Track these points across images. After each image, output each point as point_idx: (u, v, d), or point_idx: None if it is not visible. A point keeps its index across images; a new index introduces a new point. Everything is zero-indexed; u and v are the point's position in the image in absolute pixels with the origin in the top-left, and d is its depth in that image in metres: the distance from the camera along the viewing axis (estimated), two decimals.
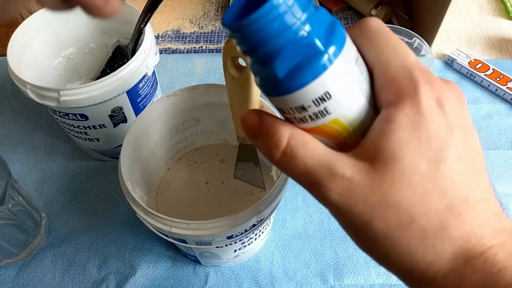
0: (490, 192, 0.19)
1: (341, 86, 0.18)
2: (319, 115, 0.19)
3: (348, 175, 0.18)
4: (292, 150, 0.19)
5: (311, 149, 0.19)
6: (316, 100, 0.19)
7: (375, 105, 0.20)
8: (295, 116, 0.20)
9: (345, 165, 0.18)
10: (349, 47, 0.19)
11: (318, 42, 0.18)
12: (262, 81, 0.20)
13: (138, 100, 0.44)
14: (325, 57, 0.18)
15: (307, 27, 0.18)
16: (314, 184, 0.19)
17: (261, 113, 0.21)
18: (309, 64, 0.18)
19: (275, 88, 0.19)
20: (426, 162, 0.18)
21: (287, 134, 0.19)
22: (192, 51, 0.63)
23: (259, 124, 0.20)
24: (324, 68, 0.18)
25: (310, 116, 0.19)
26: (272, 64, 0.18)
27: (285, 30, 0.17)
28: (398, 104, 0.18)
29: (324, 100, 0.19)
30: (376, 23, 0.20)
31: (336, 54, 0.18)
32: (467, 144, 0.19)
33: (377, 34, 0.20)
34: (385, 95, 0.19)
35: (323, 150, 0.19)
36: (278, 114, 0.22)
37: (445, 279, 0.18)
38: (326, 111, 0.19)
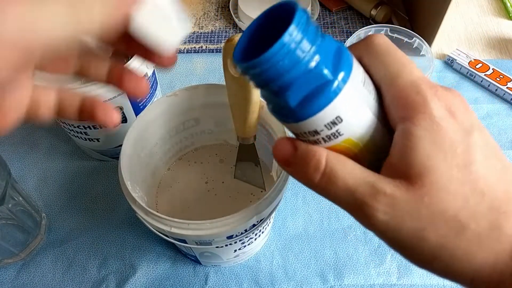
0: None
1: (351, 109, 0.19)
2: (332, 137, 0.20)
3: (390, 192, 0.18)
4: (331, 170, 0.19)
5: (349, 167, 0.19)
6: (328, 124, 0.19)
7: (385, 120, 0.21)
8: (308, 138, 0.20)
9: (383, 183, 0.19)
10: (357, 71, 0.20)
11: (327, 72, 0.18)
12: (275, 108, 0.20)
13: (138, 100, 0.44)
14: (335, 84, 0.18)
15: (316, 58, 0.18)
16: (357, 204, 0.19)
17: (292, 140, 0.21)
18: (320, 92, 0.19)
19: (288, 116, 0.20)
20: (456, 168, 0.18)
21: (324, 155, 0.20)
22: (192, 51, 0.63)
23: (293, 150, 0.21)
24: (335, 94, 0.19)
25: (323, 138, 0.20)
26: (284, 95, 0.19)
27: (296, 65, 0.18)
28: (411, 118, 0.19)
29: (336, 123, 0.19)
30: (382, 40, 0.21)
31: (345, 80, 0.19)
32: (487, 142, 0.19)
33: (383, 51, 0.21)
34: (395, 111, 0.20)
35: (360, 169, 0.19)
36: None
37: None
38: (338, 133, 0.20)
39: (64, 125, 0.45)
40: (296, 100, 0.19)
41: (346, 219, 0.46)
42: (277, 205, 0.34)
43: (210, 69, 0.60)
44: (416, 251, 0.19)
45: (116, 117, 0.22)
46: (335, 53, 0.19)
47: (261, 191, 0.43)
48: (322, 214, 0.47)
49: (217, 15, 0.68)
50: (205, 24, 0.67)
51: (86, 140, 0.46)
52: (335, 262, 0.44)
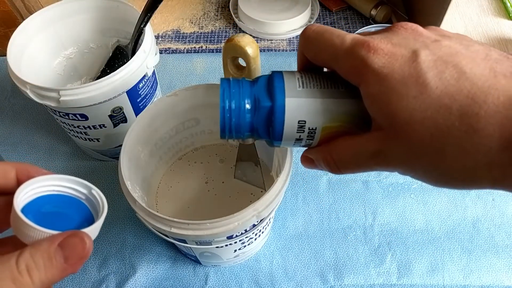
0: (486, 57, 0.19)
1: (303, 110, 0.22)
2: (312, 134, 0.23)
3: (378, 148, 0.21)
4: (338, 161, 0.23)
5: (345, 147, 0.23)
6: (298, 130, 0.23)
7: (348, 89, 0.23)
8: (303, 144, 0.24)
9: (373, 143, 0.21)
10: (290, 82, 0.23)
11: (267, 103, 0.23)
12: (267, 143, 0.25)
13: (138, 100, 0.44)
14: (277, 105, 0.22)
15: (254, 102, 0.23)
16: (371, 165, 0.22)
17: (306, 153, 0.26)
18: (273, 117, 0.23)
19: (272, 143, 0.24)
20: (414, 99, 0.19)
21: (328, 153, 0.23)
22: (192, 51, 0.63)
23: (312, 160, 0.25)
24: (282, 110, 0.22)
25: (308, 138, 0.23)
26: (258, 135, 0.24)
27: (242, 116, 0.23)
28: (362, 82, 0.20)
29: (303, 126, 0.23)
30: (310, 31, 0.23)
31: (281, 98, 0.22)
32: (437, 56, 0.19)
33: (314, 41, 0.23)
34: (350, 80, 0.21)
35: (351, 142, 0.22)
36: None
37: None
38: (312, 129, 0.23)
39: (64, 125, 0.45)
40: (266, 135, 0.24)
41: (346, 219, 0.46)
42: (277, 205, 0.34)
43: (210, 69, 0.60)
44: (440, 172, 0.20)
45: None
46: (266, 85, 0.23)
47: (261, 191, 0.43)
48: (322, 214, 0.47)
49: (217, 15, 0.68)
50: (205, 24, 0.67)
51: (86, 140, 0.46)
52: (335, 262, 0.44)
